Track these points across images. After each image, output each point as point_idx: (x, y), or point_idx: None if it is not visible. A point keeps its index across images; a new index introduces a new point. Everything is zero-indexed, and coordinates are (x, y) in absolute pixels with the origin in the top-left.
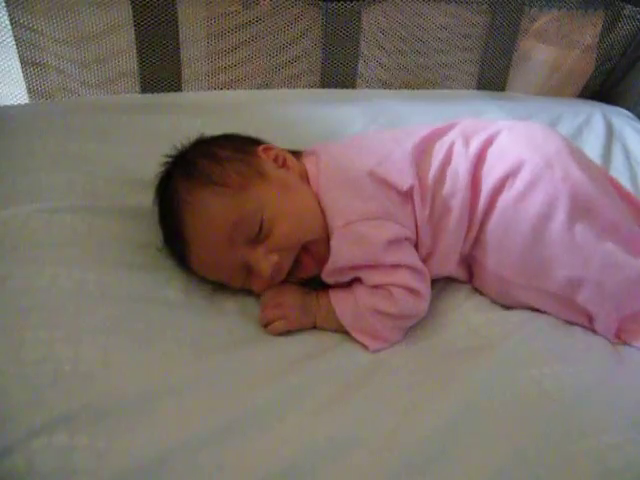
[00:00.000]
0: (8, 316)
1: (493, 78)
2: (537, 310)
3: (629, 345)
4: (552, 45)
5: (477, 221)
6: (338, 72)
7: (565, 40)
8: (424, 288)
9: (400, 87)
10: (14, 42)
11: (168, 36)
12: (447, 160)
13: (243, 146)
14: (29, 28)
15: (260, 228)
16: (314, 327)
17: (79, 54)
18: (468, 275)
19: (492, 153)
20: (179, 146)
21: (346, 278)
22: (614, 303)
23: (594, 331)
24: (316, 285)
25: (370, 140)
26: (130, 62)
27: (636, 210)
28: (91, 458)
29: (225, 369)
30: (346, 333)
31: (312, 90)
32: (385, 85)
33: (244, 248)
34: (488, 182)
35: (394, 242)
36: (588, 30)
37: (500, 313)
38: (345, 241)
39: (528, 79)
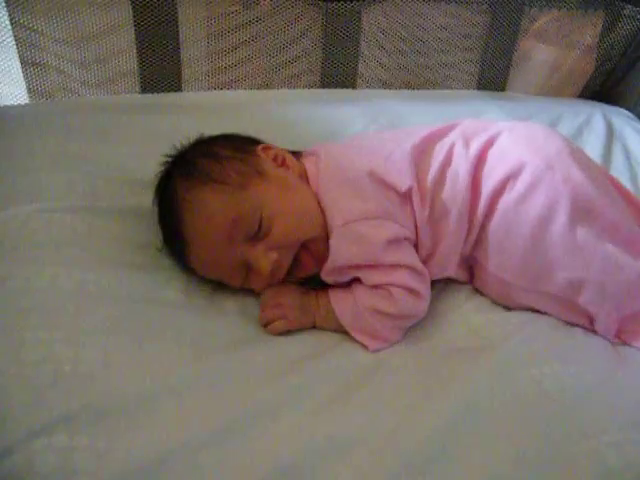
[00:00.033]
0: (8, 316)
1: (493, 78)
2: (538, 311)
3: (629, 345)
4: (552, 45)
5: (478, 223)
6: (338, 72)
7: (565, 40)
8: (424, 288)
9: (400, 87)
10: (14, 42)
11: (168, 36)
12: (447, 161)
13: (243, 145)
14: (29, 28)
15: (259, 226)
16: (314, 327)
17: (79, 54)
18: (469, 276)
19: (493, 154)
20: (179, 146)
21: (345, 278)
22: (614, 304)
23: (594, 332)
24: (316, 285)
25: (370, 140)
26: (130, 62)
27: (636, 210)
28: (91, 458)
29: (225, 369)
30: (346, 333)
31: (312, 90)
32: (385, 85)
33: (243, 246)
34: (488, 184)
35: (393, 242)
36: (588, 30)
37: (501, 314)
38: (344, 240)
39: (528, 79)
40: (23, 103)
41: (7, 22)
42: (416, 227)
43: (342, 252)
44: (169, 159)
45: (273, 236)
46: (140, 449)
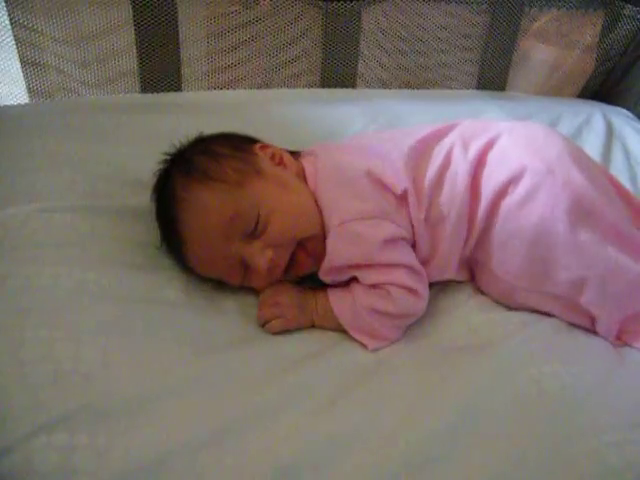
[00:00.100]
0: (8, 315)
1: (493, 78)
2: (540, 312)
3: (630, 346)
4: (552, 45)
5: (478, 226)
6: (338, 72)
7: (565, 40)
8: (422, 287)
9: (400, 87)
10: (14, 42)
11: (168, 36)
12: (446, 165)
13: (241, 144)
14: (29, 28)
15: (256, 224)
16: (313, 326)
17: (79, 54)
18: (469, 276)
19: (493, 157)
20: (179, 145)
21: (344, 277)
22: (616, 304)
23: (596, 333)
24: (314, 284)
25: (369, 140)
26: (130, 62)
27: (635, 210)
28: (91, 457)
29: (225, 369)
30: (345, 332)
31: (312, 90)
32: (385, 85)
33: (240, 244)
34: (489, 187)
35: (390, 242)
36: (588, 30)
37: (502, 314)
38: (341, 240)
39: (528, 79)
40: (23, 103)
41: (7, 22)
42: (413, 228)
43: (339, 251)
44: (168, 157)
45: (269, 234)
46: (140, 448)
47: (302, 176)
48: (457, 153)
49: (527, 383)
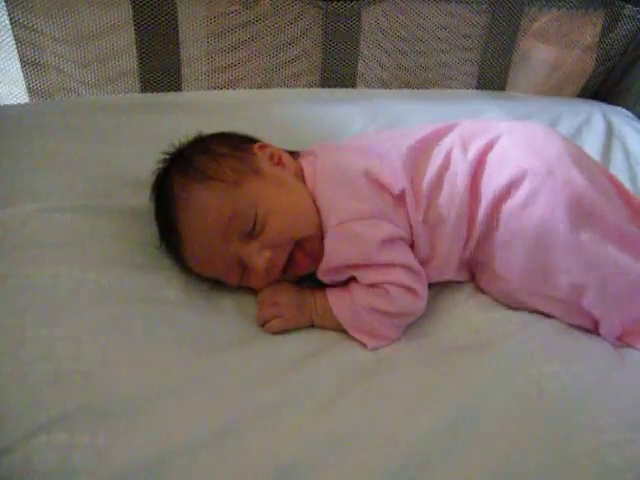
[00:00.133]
0: (8, 315)
1: (493, 78)
2: (541, 313)
3: (632, 347)
4: (552, 45)
5: (478, 227)
6: (338, 72)
7: (565, 40)
8: (420, 287)
9: (400, 87)
10: (14, 41)
11: (168, 36)
12: (445, 165)
13: (240, 144)
14: (29, 27)
15: (254, 224)
16: (312, 326)
17: (79, 54)
18: (469, 276)
19: (493, 159)
20: (178, 144)
21: (342, 277)
22: (616, 307)
23: (596, 333)
24: (313, 284)
25: (368, 140)
26: (130, 62)
27: (634, 210)
28: (91, 457)
29: (225, 368)
30: (345, 331)
31: (312, 90)
32: (385, 85)
33: (237, 243)
34: (489, 189)
35: (388, 242)
36: (588, 30)
37: (502, 313)
38: (339, 240)
39: (528, 79)
40: (23, 103)
41: (7, 21)
42: (411, 228)
43: (337, 252)
44: (167, 156)
45: (267, 234)
46: (140, 448)
47: (300, 176)
48: (457, 153)
49: (527, 383)
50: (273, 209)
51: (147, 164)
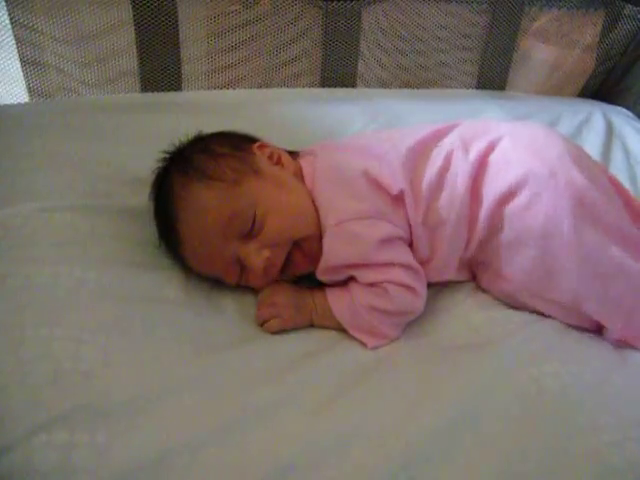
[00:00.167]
0: (8, 315)
1: (493, 77)
2: (542, 314)
3: (632, 347)
4: (552, 44)
5: (479, 230)
6: (338, 72)
7: (565, 39)
8: (419, 285)
9: (400, 86)
10: (14, 41)
11: (168, 35)
12: (446, 167)
13: (239, 143)
14: (29, 27)
15: (252, 224)
16: (312, 325)
17: (79, 53)
18: (470, 276)
19: (494, 160)
20: (178, 144)
21: (341, 277)
22: (618, 310)
23: (598, 334)
24: (312, 283)
25: (367, 140)
26: (130, 61)
27: (633, 212)
28: (91, 456)
29: (225, 368)
30: (344, 331)
31: (312, 89)
32: (385, 84)
33: (236, 243)
34: (491, 191)
35: (386, 241)
36: (588, 29)
37: (503, 312)
38: (337, 240)
39: (528, 78)
40: (23, 102)
41: (7, 21)
42: (410, 228)
43: (335, 251)
44: (167, 155)
45: (266, 234)
46: (140, 447)
47: (300, 176)
48: (457, 155)
49: (527, 382)
50: (272, 209)
51: (147, 164)
